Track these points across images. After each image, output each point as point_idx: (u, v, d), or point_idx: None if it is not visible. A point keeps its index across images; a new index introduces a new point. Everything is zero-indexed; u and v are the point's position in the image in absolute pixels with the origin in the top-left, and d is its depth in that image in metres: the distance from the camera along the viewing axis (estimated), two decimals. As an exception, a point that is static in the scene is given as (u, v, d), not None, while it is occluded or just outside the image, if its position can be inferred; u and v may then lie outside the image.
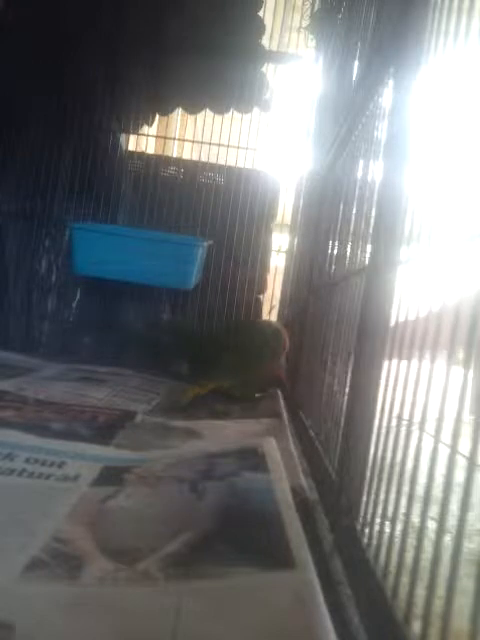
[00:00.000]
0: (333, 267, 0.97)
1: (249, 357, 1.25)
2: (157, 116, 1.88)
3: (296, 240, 1.68)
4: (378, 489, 0.51)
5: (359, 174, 0.80)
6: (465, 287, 0.39)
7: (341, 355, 0.78)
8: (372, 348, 0.58)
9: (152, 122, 1.86)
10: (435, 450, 0.39)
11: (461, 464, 0.34)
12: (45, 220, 1.69)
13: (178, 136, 2.07)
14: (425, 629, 0.35)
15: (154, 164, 1.78)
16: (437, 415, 0.38)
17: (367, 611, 0.45)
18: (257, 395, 1.29)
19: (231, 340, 1.34)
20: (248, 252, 1.77)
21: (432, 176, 0.50)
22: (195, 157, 1.90)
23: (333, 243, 1.00)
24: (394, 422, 0.50)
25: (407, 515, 0.42)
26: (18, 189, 1.66)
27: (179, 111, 1.87)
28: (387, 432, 0.51)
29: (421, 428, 0.42)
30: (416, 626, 0.37)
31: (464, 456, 0.33)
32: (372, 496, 0.52)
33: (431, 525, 0.38)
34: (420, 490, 0.40)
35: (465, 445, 0.33)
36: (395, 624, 0.40)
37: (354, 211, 0.82)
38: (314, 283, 1.18)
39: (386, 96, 0.69)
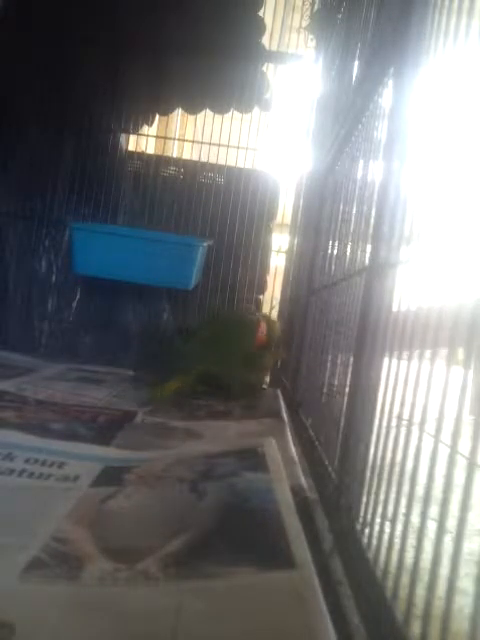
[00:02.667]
0: (333, 267, 0.97)
1: (224, 346, 1.22)
2: (157, 116, 1.88)
3: (296, 240, 1.68)
4: (378, 489, 0.51)
5: (359, 174, 0.80)
6: (465, 287, 0.39)
7: (341, 355, 0.78)
8: (372, 348, 0.58)
9: (152, 122, 1.86)
10: (435, 450, 0.39)
11: (461, 464, 0.34)
12: (45, 220, 1.69)
13: (178, 136, 2.07)
14: (425, 629, 0.35)
15: (154, 164, 1.78)
16: (437, 415, 0.38)
17: (367, 611, 0.45)
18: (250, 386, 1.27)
19: (202, 331, 1.31)
20: (248, 252, 1.77)
21: (432, 176, 0.50)
22: (195, 157, 1.90)
23: (333, 243, 1.00)
24: (394, 422, 0.50)
25: (407, 515, 0.42)
26: (18, 189, 1.67)
27: (179, 111, 1.87)
28: (387, 432, 0.51)
29: (421, 428, 0.42)
30: (416, 626, 0.37)
31: (464, 456, 0.33)
32: (372, 496, 0.52)
33: (431, 525, 0.38)
34: (420, 490, 0.40)
35: (465, 445, 0.33)
36: (395, 624, 0.40)
37: (354, 211, 0.82)
38: (314, 283, 1.18)
39: (386, 96, 0.69)
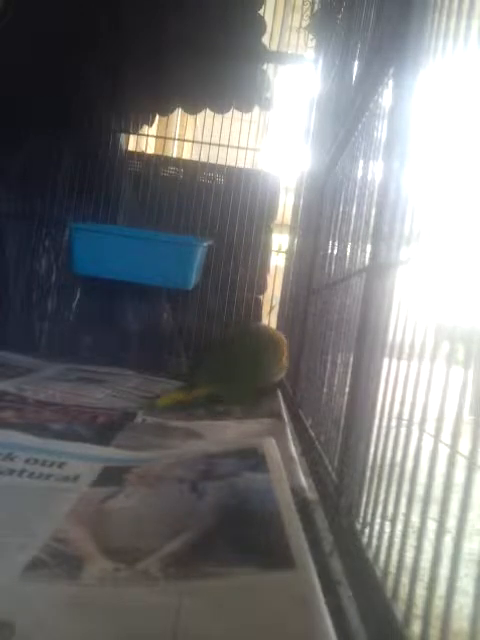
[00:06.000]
0: (333, 267, 0.97)
1: (245, 366, 1.18)
2: (157, 116, 1.88)
3: (296, 240, 1.68)
4: (378, 489, 0.51)
5: (359, 174, 0.80)
6: (465, 286, 0.39)
7: (341, 355, 0.78)
8: (372, 348, 0.58)
9: (152, 122, 1.86)
10: (435, 450, 0.39)
11: (461, 464, 0.34)
12: (45, 220, 1.69)
13: (178, 136, 2.07)
14: (425, 630, 0.35)
15: (154, 164, 1.78)
16: (437, 415, 0.38)
17: (367, 611, 0.45)
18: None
19: (228, 346, 1.28)
20: (248, 252, 1.77)
21: (432, 176, 0.50)
22: (195, 157, 1.91)
23: (333, 243, 1.00)
24: (394, 422, 0.50)
25: (407, 515, 0.42)
26: (18, 189, 1.67)
27: (179, 111, 1.87)
28: (387, 432, 0.51)
29: (421, 428, 0.42)
30: (416, 626, 0.37)
31: (464, 456, 0.33)
32: (372, 496, 0.52)
33: (431, 525, 0.38)
34: (420, 490, 0.40)
35: (465, 445, 0.33)
36: (395, 625, 0.40)
37: (354, 211, 0.82)
38: (314, 283, 1.18)
39: (386, 96, 0.69)
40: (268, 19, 1.75)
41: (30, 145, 1.64)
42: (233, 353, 1.21)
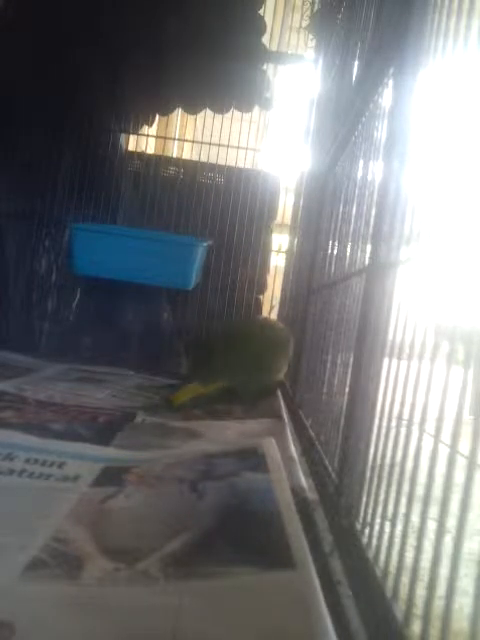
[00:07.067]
0: (333, 267, 0.97)
1: (259, 360, 1.17)
2: (157, 116, 1.88)
3: (296, 240, 1.68)
4: (378, 489, 0.51)
5: (359, 174, 0.80)
6: (465, 286, 0.39)
7: (341, 355, 0.78)
8: (372, 348, 0.58)
9: (152, 122, 1.86)
10: (435, 450, 0.39)
11: (461, 464, 0.34)
12: (45, 220, 1.69)
13: (178, 136, 2.07)
14: (425, 629, 0.35)
15: (154, 164, 1.78)
16: (437, 415, 0.38)
17: (367, 611, 0.45)
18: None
19: (238, 339, 1.28)
20: (248, 252, 1.78)
21: (432, 176, 0.50)
22: (195, 157, 1.91)
23: (333, 243, 1.00)
24: (394, 422, 0.50)
25: (407, 515, 0.42)
26: (18, 189, 1.67)
27: (179, 111, 1.87)
28: (387, 432, 0.51)
29: (421, 428, 0.42)
30: (416, 626, 0.37)
31: (464, 456, 0.33)
32: (372, 496, 0.52)
33: (431, 525, 0.38)
34: (420, 490, 0.40)
35: (465, 445, 0.33)
36: (395, 625, 0.40)
37: (354, 211, 0.82)
38: (314, 283, 1.18)
39: (386, 96, 0.69)
40: (268, 19, 1.75)
41: (30, 145, 1.64)
42: (243, 347, 1.19)
